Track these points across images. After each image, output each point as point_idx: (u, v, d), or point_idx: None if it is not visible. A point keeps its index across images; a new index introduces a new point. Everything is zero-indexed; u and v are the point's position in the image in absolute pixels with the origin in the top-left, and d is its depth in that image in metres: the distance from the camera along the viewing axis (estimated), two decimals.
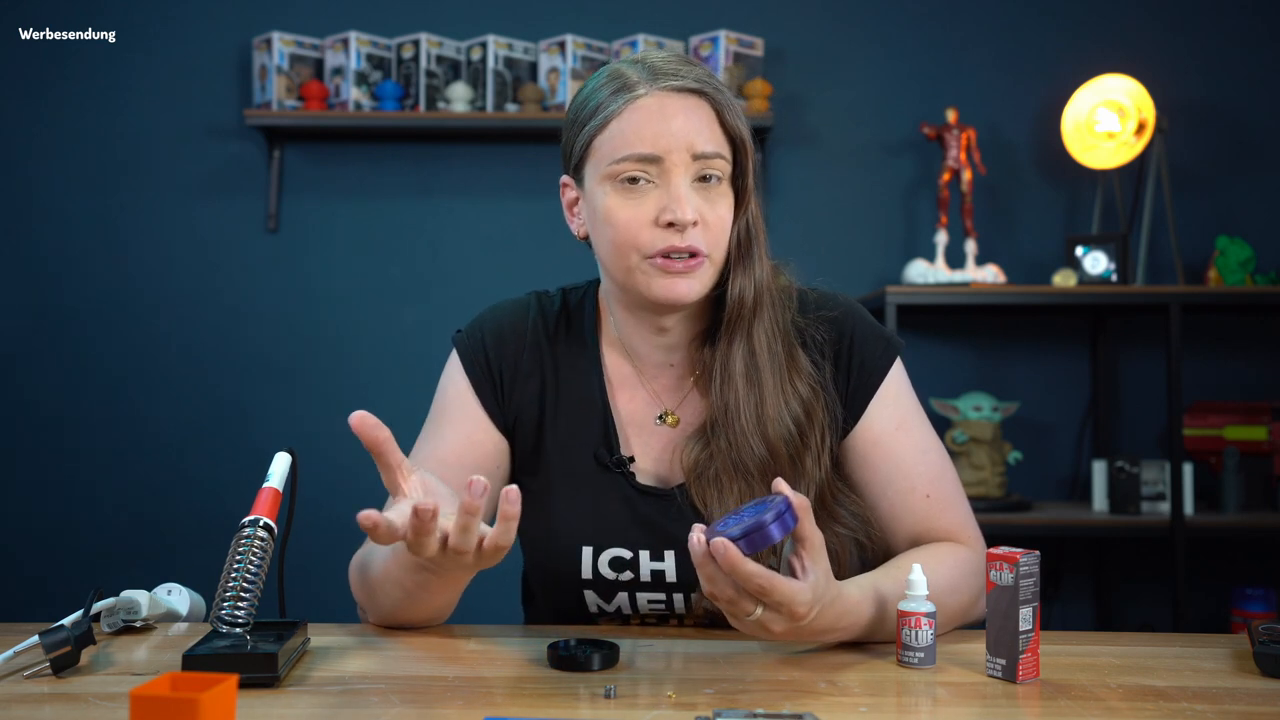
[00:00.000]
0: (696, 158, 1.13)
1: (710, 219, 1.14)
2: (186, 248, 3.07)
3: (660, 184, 1.13)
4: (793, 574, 0.96)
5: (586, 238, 1.21)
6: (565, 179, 1.22)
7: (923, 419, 1.24)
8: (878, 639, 1.08)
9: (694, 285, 1.14)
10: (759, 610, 0.94)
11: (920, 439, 1.22)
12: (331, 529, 2.81)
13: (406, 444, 1.26)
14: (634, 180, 1.13)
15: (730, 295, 1.17)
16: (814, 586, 0.95)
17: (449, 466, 1.19)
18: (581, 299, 1.29)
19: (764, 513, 0.92)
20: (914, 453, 1.21)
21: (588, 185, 1.17)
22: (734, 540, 0.90)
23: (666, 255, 1.13)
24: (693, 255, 1.13)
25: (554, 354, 1.25)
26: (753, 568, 0.91)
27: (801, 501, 0.94)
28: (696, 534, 0.93)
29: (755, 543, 0.91)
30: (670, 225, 1.12)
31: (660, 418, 1.24)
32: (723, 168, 1.15)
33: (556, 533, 1.19)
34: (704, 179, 1.14)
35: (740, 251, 1.18)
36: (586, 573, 1.18)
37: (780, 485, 0.95)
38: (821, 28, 3.11)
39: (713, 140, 1.14)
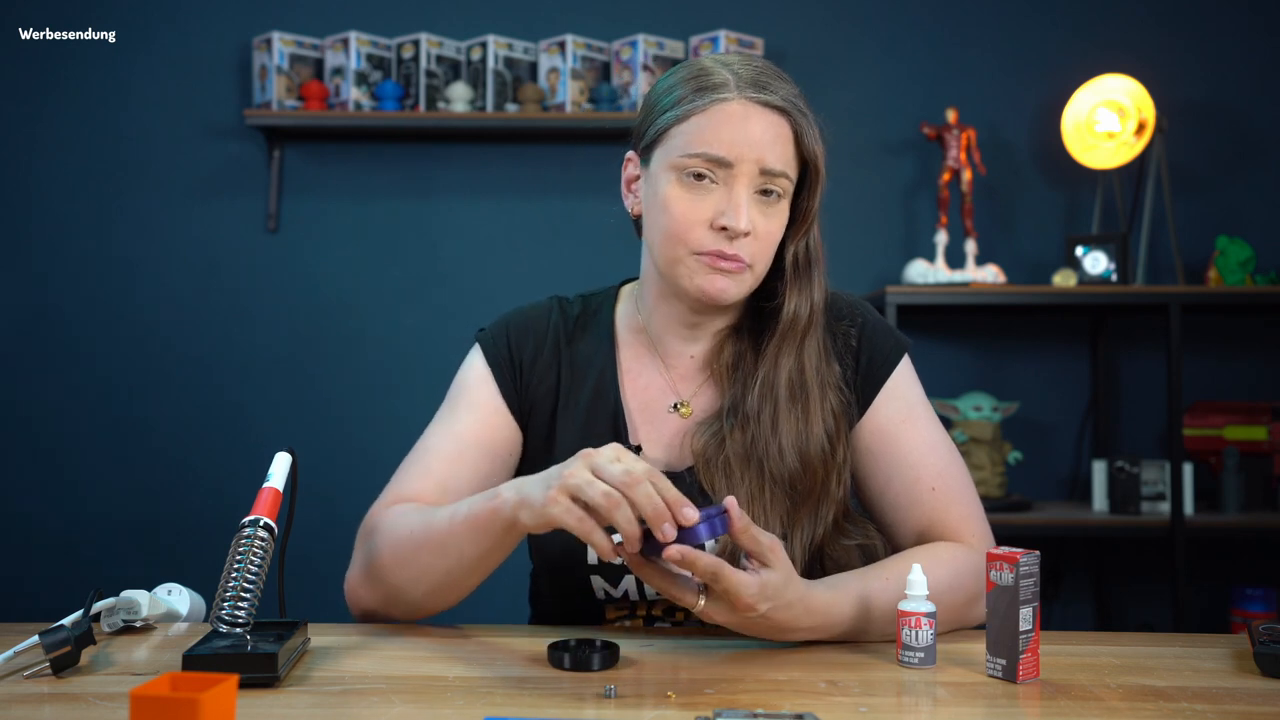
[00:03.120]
0: (763, 172, 1.15)
1: (761, 231, 1.16)
2: (186, 248, 3.07)
3: (723, 186, 1.15)
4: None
5: (639, 217, 1.24)
6: (630, 155, 1.25)
7: (930, 415, 1.25)
8: (869, 638, 1.08)
9: (732, 287, 1.17)
10: (703, 599, 0.97)
11: (927, 433, 1.23)
12: (331, 529, 2.81)
13: (412, 439, 1.26)
14: (699, 176, 1.15)
15: (785, 312, 1.20)
16: (763, 583, 0.97)
17: (465, 444, 1.22)
18: (601, 302, 1.32)
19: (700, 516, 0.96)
20: (920, 445, 1.22)
21: (653, 168, 1.20)
22: (655, 543, 0.93)
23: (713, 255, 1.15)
24: (737, 262, 1.16)
25: (571, 352, 1.28)
26: (706, 560, 0.94)
27: (741, 524, 0.96)
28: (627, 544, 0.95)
29: (681, 541, 0.93)
30: (723, 230, 1.14)
31: (674, 407, 1.25)
32: (785, 187, 1.17)
33: None
34: (765, 192, 1.16)
35: (798, 271, 1.20)
36: (593, 559, 1.19)
37: (731, 503, 0.96)
38: (821, 28, 3.11)
39: (783, 159, 1.16)
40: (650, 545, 0.94)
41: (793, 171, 1.17)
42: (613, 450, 0.96)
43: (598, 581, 1.20)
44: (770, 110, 1.15)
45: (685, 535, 0.93)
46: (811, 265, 1.21)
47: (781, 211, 1.18)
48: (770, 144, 1.15)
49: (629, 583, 1.19)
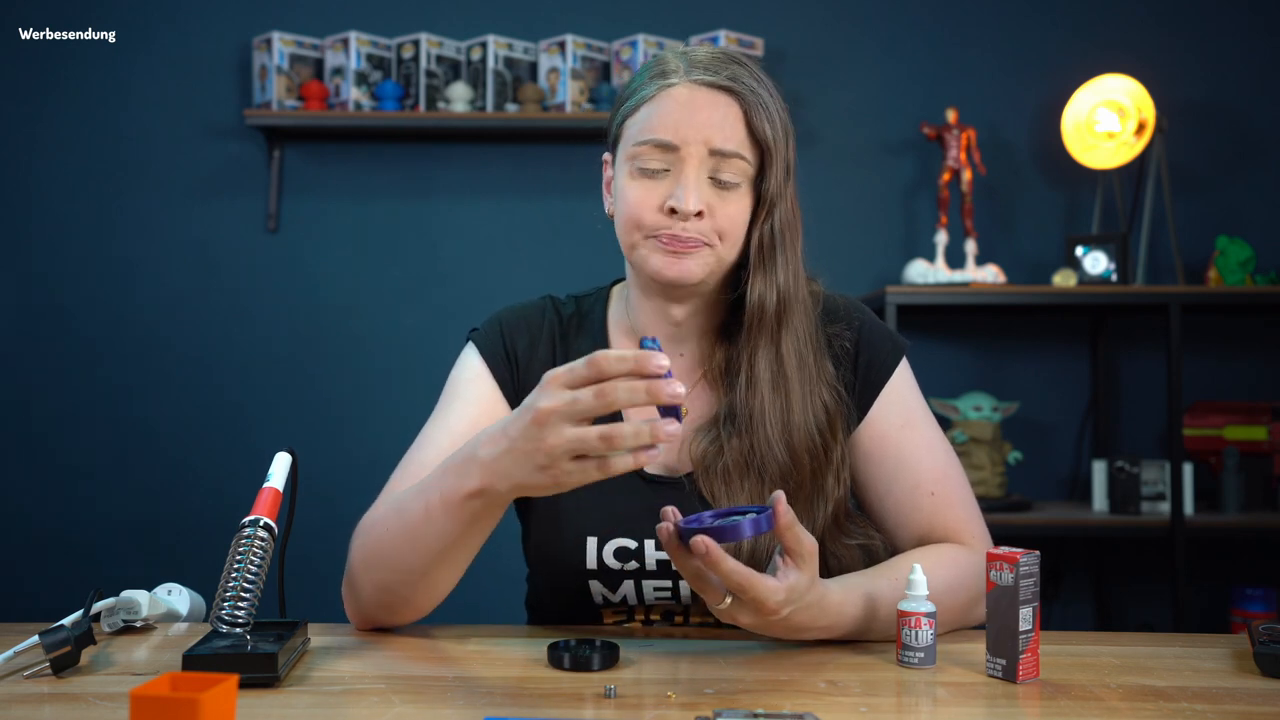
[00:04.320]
0: (713, 153, 1.14)
1: (720, 215, 1.15)
2: (186, 248, 3.07)
3: (675, 172, 1.14)
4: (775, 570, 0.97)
5: (614, 215, 1.24)
6: (605, 156, 1.25)
7: (929, 418, 1.25)
8: (871, 638, 1.08)
9: (692, 266, 1.15)
10: (728, 600, 0.96)
11: (926, 437, 1.23)
12: (331, 529, 2.81)
13: (412, 439, 1.25)
14: (653, 170, 1.15)
15: (750, 299, 1.17)
16: (790, 588, 0.96)
17: (461, 438, 1.17)
18: (594, 302, 1.31)
19: (744, 513, 0.95)
20: (919, 450, 1.21)
21: (617, 163, 1.20)
22: (704, 530, 0.92)
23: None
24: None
25: (566, 350, 1.27)
26: (731, 565, 0.92)
27: (788, 520, 0.94)
28: (666, 521, 0.94)
29: (724, 535, 0.92)
30: (674, 212, 1.13)
31: None
32: (742, 169, 1.15)
33: (561, 524, 1.19)
34: (721, 181, 1.15)
35: (761, 256, 1.18)
36: (591, 563, 1.18)
37: (779, 497, 0.94)
38: (821, 28, 3.11)
39: (733, 139, 1.14)
40: (684, 532, 0.93)
41: (748, 153, 1.15)
42: (556, 383, 0.87)
43: (596, 586, 1.19)
44: (716, 91, 1.14)
45: (727, 532, 0.92)
46: (776, 250, 1.18)
47: (741, 196, 1.16)
48: (718, 125, 1.13)
49: (627, 587, 1.19)
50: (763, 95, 1.16)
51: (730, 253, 1.17)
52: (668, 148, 1.14)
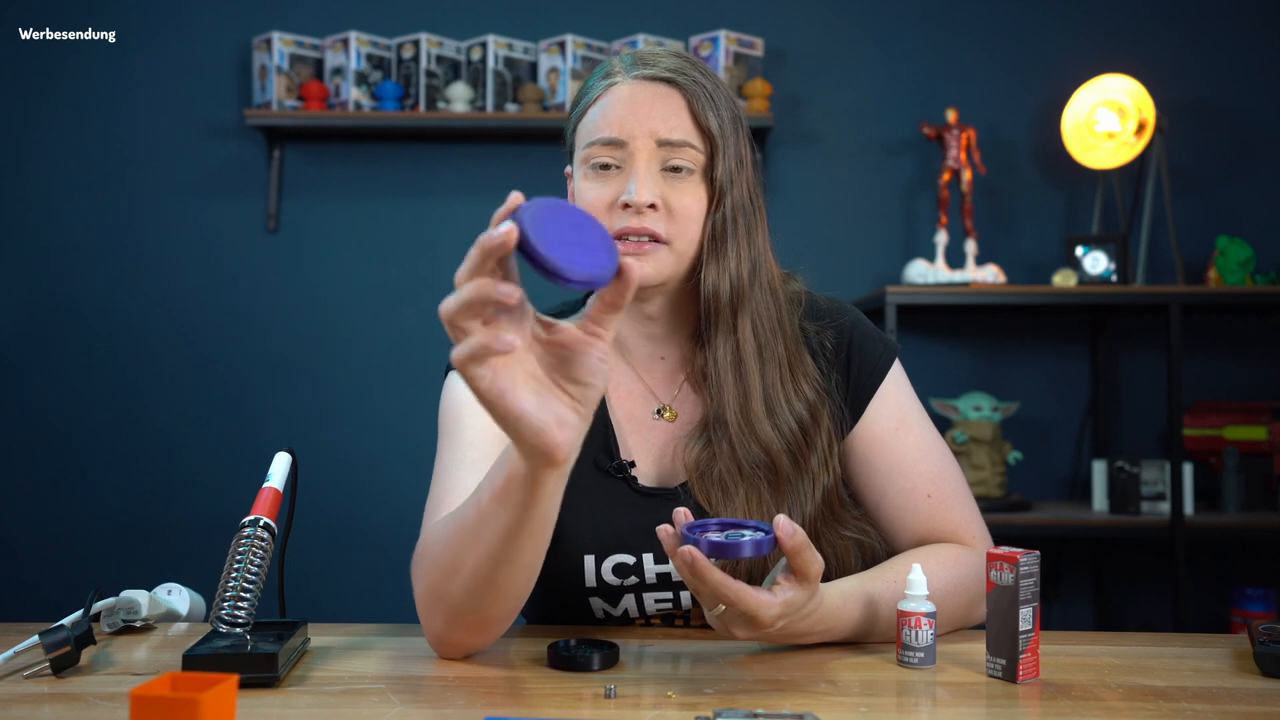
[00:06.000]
0: (661, 144, 1.14)
1: (675, 206, 1.14)
2: (186, 248, 3.07)
3: (626, 169, 1.15)
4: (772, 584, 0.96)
5: None
6: (567, 170, 1.24)
7: (924, 419, 1.24)
8: (871, 640, 1.08)
9: (645, 269, 1.14)
10: (720, 608, 0.95)
11: (921, 438, 1.22)
12: (331, 529, 2.82)
13: (414, 443, 1.25)
14: (605, 166, 1.15)
15: (704, 288, 1.17)
16: (786, 603, 0.95)
17: (484, 451, 1.14)
18: (576, 308, 1.30)
19: (748, 532, 0.94)
20: (915, 452, 1.21)
21: (574, 170, 1.20)
22: (701, 542, 0.92)
23: (623, 238, 1.14)
24: (652, 240, 1.14)
25: None
26: (718, 578, 0.92)
27: (795, 544, 0.93)
28: (671, 525, 0.94)
29: (722, 552, 0.92)
30: (627, 207, 1.13)
31: (658, 412, 1.23)
32: (693, 158, 1.15)
33: (558, 543, 1.17)
34: (675, 169, 1.15)
35: (715, 244, 1.17)
36: (590, 581, 1.17)
37: (780, 521, 0.93)
38: (821, 28, 3.11)
39: (680, 129, 1.15)
40: (685, 539, 0.93)
41: (696, 141, 1.15)
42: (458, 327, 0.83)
43: (597, 602, 1.19)
44: (657, 83, 1.16)
45: (727, 549, 0.92)
46: (727, 237, 1.17)
47: (695, 186, 1.16)
48: (662, 116, 1.14)
49: (628, 601, 1.18)
50: (707, 86, 1.17)
51: (689, 247, 1.16)
52: (616, 144, 1.14)
